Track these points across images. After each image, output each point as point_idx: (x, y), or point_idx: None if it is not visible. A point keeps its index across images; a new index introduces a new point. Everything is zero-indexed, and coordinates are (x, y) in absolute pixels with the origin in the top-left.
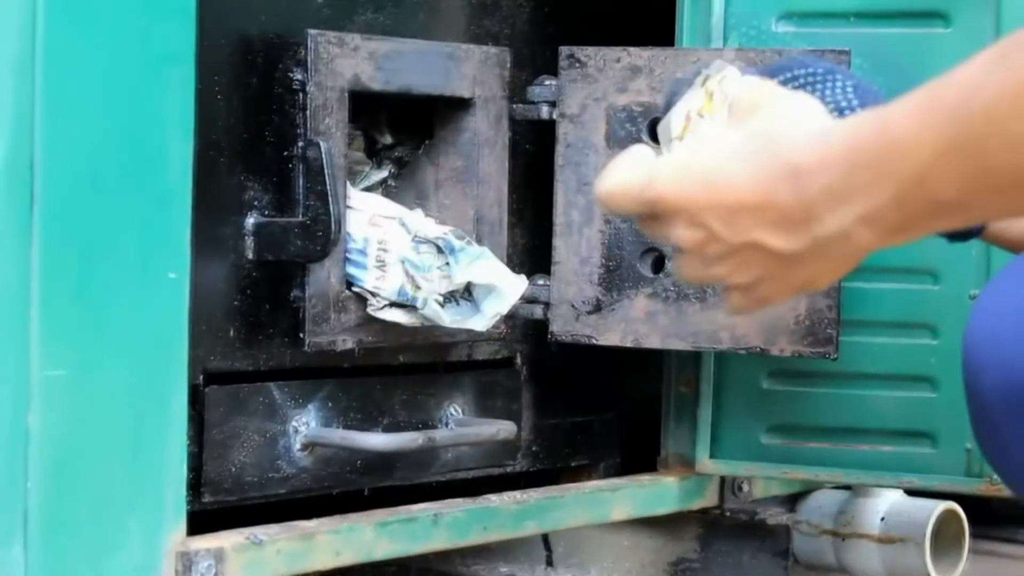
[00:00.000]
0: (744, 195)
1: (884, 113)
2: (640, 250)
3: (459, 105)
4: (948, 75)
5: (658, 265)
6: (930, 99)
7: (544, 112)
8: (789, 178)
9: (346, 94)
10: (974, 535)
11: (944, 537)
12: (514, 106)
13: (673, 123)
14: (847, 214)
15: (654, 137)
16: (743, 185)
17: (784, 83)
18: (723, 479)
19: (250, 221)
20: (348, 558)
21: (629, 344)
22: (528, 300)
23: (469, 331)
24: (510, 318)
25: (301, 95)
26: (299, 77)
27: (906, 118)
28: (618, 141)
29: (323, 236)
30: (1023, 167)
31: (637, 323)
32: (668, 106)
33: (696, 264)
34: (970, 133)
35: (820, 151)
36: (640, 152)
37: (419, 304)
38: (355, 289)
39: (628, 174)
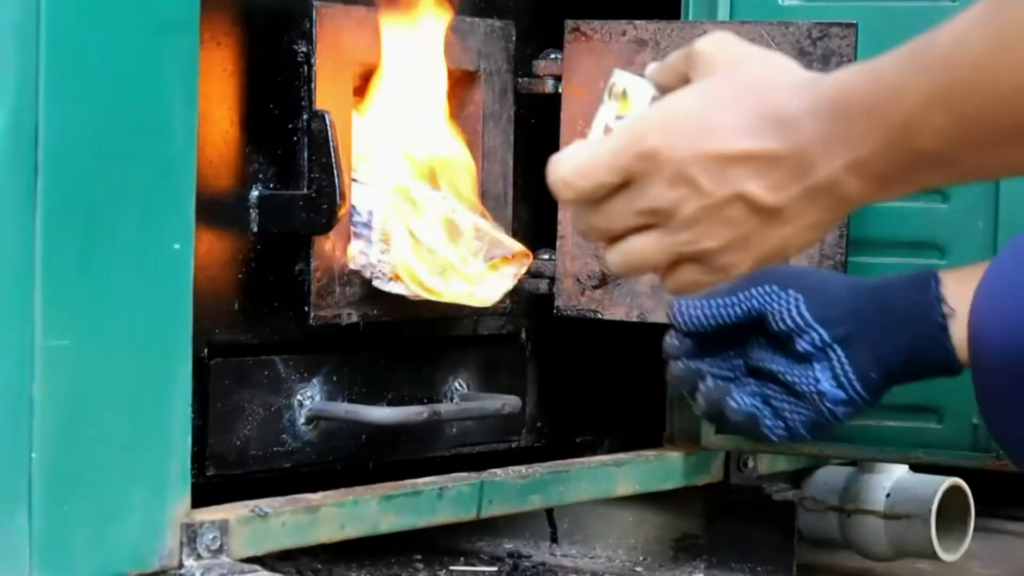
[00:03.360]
0: (736, 143)
1: (874, 62)
2: None
3: (464, 78)
4: (937, 29)
5: None
6: (919, 49)
7: (549, 86)
8: (781, 125)
9: (351, 66)
10: (980, 512)
11: (950, 513)
12: (519, 79)
13: (593, 138)
14: (837, 161)
15: None
16: (734, 134)
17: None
18: (728, 455)
19: (254, 193)
20: (353, 531)
21: (635, 319)
22: (533, 274)
23: (474, 305)
24: (515, 292)
25: (306, 67)
26: (304, 49)
27: (895, 67)
28: None
29: (328, 209)
30: (1007, 121)
31: (643, 297)
32: None
33: (656, 236)
34: (956, 84)
35: (810, 98)
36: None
37: (425, 277)
38: (360, 262)
39: (594, 148)
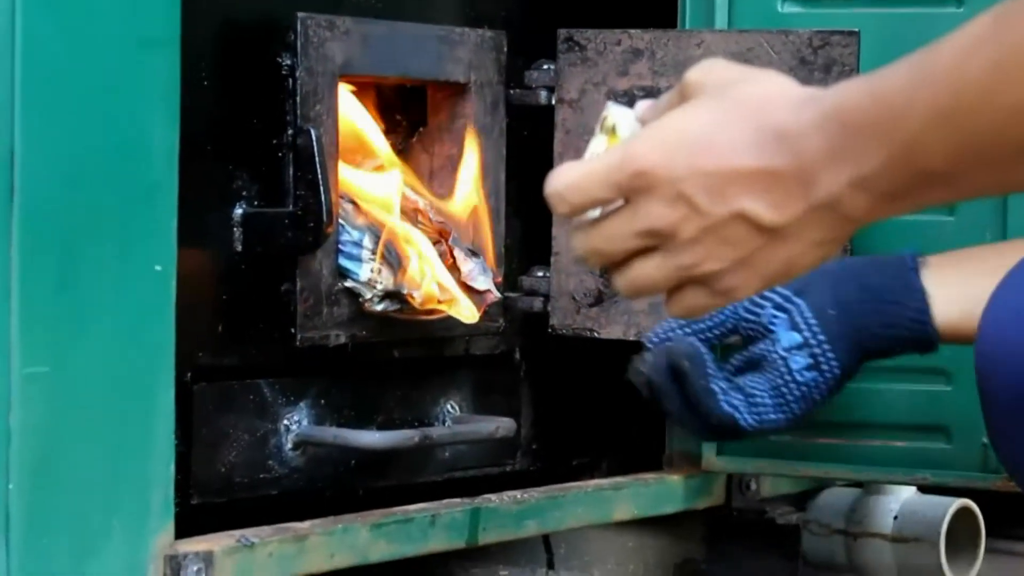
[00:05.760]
0: (734, 161)
1: (877, 78)
2: None
3: (454, 90)
4: (941, 42)
5: None
6: (921, 66)
7: (542, 97)
8: (781, 141)
9: (337, 79)
10: (991, 534)
11: (959, 536)
12: (511, 91)
13: None
14: (840, 178)
15: None
16: (732, 151)
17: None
18: (730, 477)
19: (238, 212)
20: (342, 560)
21: (632, 337)
22: (527, 292)
23: (464, 324)
24: (508, 311)
25: (290, 80)
26: (288, 62)
27: (899, 84)
28: None
29: (314, 227)
30: (1010, 139)
31: (640, 315)
32: None
33: (659, 259)
34: (960, 103)
35: (811, 114)
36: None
37: (417, 296)
38: (348, 282)
39: (591, 163)
